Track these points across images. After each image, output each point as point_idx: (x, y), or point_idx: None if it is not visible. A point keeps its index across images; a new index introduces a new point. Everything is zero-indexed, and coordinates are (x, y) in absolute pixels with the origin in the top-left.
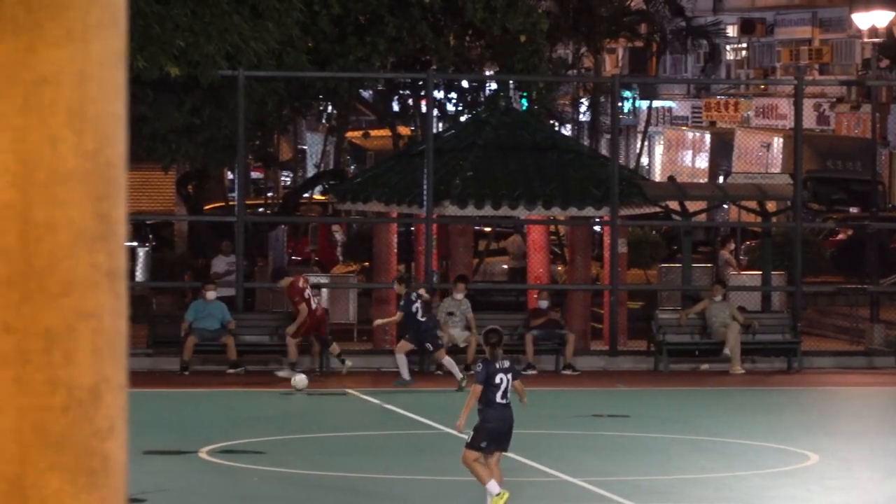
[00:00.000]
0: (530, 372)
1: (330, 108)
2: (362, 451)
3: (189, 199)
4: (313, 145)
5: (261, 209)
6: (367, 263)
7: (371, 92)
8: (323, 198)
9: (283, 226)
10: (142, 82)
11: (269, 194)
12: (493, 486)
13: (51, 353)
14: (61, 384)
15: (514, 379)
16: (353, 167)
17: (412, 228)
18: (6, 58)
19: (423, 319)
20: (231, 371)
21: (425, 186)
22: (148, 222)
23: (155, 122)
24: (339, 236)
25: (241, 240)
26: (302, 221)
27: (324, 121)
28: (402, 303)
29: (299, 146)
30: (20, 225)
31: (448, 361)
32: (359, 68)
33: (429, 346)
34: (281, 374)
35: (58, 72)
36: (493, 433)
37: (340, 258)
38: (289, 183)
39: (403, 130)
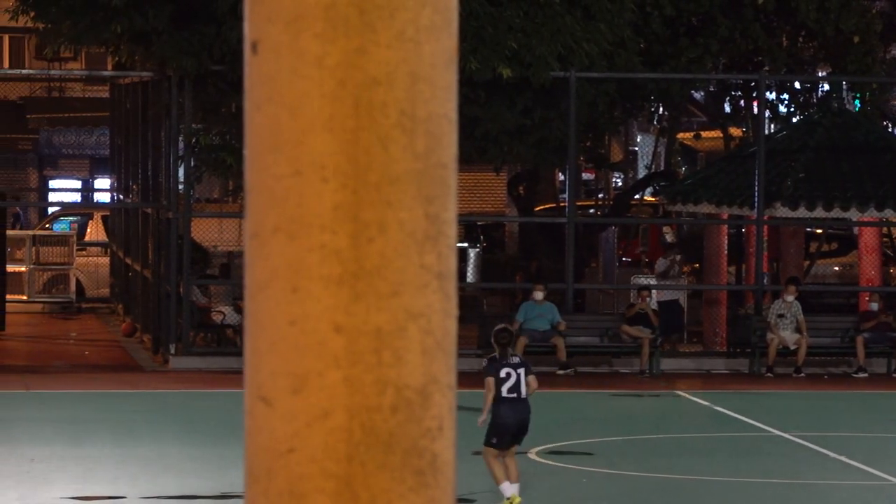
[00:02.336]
0: (861, 375)
1: (661, 109)
2: (690, 452)
3: (520, 201)
4: (644, 146)
5: (591, 210)
6: (697, 265)
7: (702, 93)
8: (653, 199)
9: (613, 227)
10: (474, 83)
11: (600, 195)
12: (504, 487)
13: (380, 354)
14: (390, 384)
15: (526, 374)
16: (683, 168)
17: (743, 230)
18: (338, 59)
19: None
20: (561, 372)
21: (756, 188)
22: (479, 223)
23: (487, 124)
24: (669, 237)
25: (571, 241)
26: (632, 222)
27: (655, 122)
28: None
29: (630, 147)
30: (351, 225)
31: None
32: (690, 69)
33: None
34: None
35: (389, 73)
36: (501, 428)
37: None
38: (619, 184)
39: (735, 132)
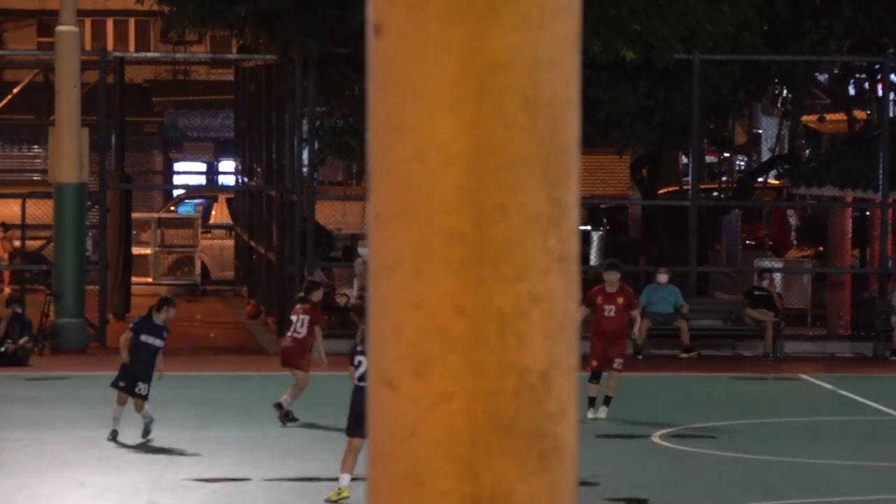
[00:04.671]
0: None
1: (785, 91)
2: (814, 436)
3: (643, 183)
4: (768, 129)
5: (715, 193)
6: (821, 248)
7: (826, 75)
8: (777, 182)
9: (737, 210)
10: (597, 66)
11: (724, 178)
12: (342, 478)
13: (503, 337)
14: (513, 367)
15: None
16: (807, 151)
17: (867, 213)
18: (462, 43)
19: None
20: (684, 355)
21: (881, 171)
22: (602, 206)
23: (610, 106)
24: (793, 220)
25: (694, 224)
26: (755, 205)
27: (779, 104)
28: None
29: (754, 130)
30: (475, 209)
31: None
32: (814, 51)
33: None
34: None
35: (513, 56)
36: (353, 418)
37: (794, 242)
38: (743, 167)
39: (859, 114)
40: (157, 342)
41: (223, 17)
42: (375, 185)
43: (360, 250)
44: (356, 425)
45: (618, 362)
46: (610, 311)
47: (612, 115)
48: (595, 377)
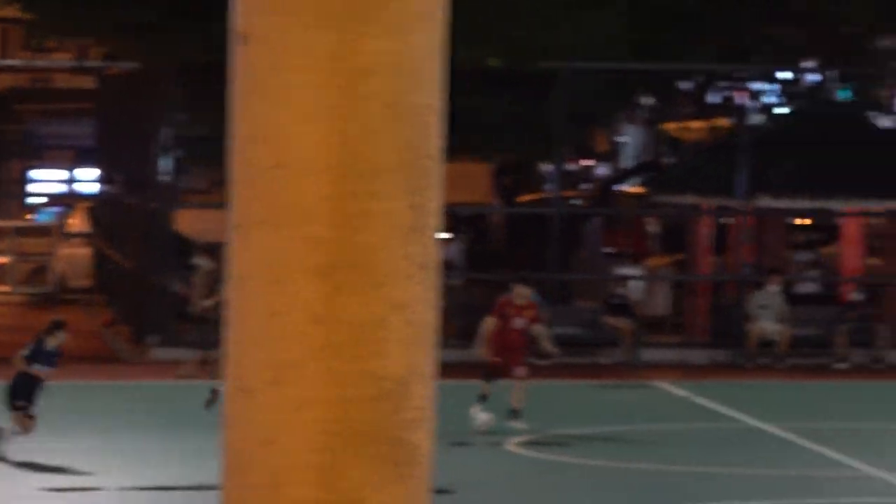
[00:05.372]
0: (842, 365)
1: (648, 99)
2: (668, 443)
3: (505, 191)
4: (631, 137)
5: (576, 201)
6: (680, 256)
7: (690, 84)
8: (638, 190)
9: (597, 218)
10: (462, 74)
11: (585, 186)
12: None
13: (361, 345)
14: (370, 375)
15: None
16: (669, 159)
17: (727, 221)
18: (328, 49)
19: None
20: (542, 362)
21: (741, 179)
22: (464, 214)
23: (474, 114)
24: (653, 228)
25: (556, 231)
26: (616, 213)
27: (642, 113)
28: None
29: (616, 138)
30: (336, 217)
31: None
32: (679, 60)
33: None
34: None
35: (377, 65)
36: None
37: (654, 250)
38: (604, 175)
39: (721, 122)
40: (46, 370)
41: (87, 26)
42: (237, 193)
43: (197, 260)
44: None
45: (522, 371)
46: (517, 323)
47: (477, 123)
48: (491, 376)
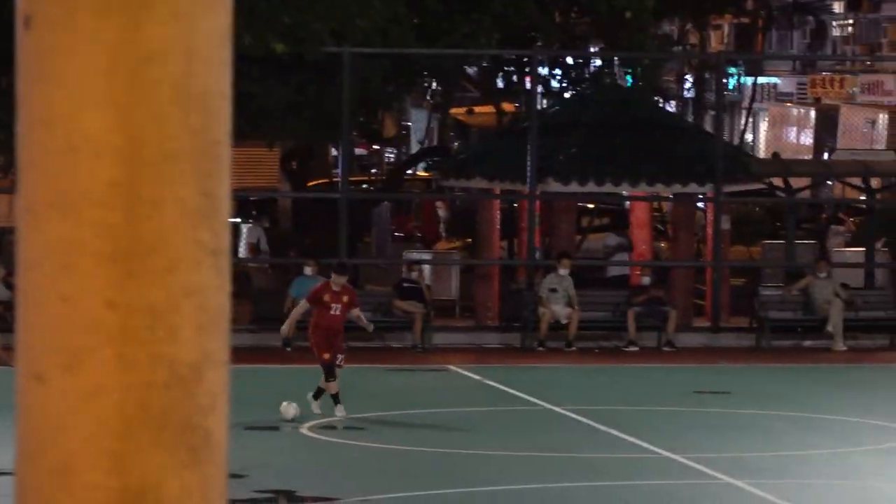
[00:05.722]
0: (632, 349)
1: (435, 84)
2: (461, 427)
3: (293, 176)
4: (417, 122)
5: (365, 186)
6: (469, 240)
7: (476, 68)
8: (427, 174)
9: (386, 202)
10: (248, 59)
11: (374, 171)
12: None
13: (154, 330)
14: (164, 360)
15: None
16: (456, 144)
17: (515, 205)
18: (112, 35)
19: None
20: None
21: (529, 163)
22: (252, 198)
23: (261, 100)
24: (442, 213)
25: (344, 216)
26: (405, 198)
27: (428, 97)
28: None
29: (403, 122)
30: (126, 202)
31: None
32: (464, 45)
33: None
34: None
35: (164, 49)
36: None
37: (443, 235)
38: (393, 160)
39: (508, 107)
40: None
41: None
42: (25, 177)
43: None
44: None
45: (340, 358)
46: (335, 309)
47: (264, 109)
48: (331, 373)
